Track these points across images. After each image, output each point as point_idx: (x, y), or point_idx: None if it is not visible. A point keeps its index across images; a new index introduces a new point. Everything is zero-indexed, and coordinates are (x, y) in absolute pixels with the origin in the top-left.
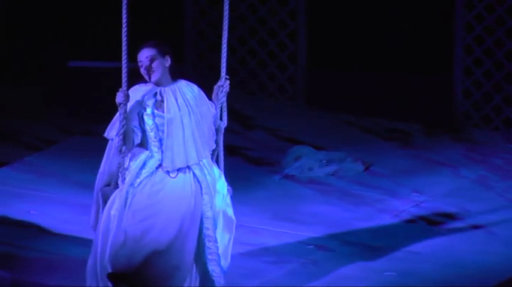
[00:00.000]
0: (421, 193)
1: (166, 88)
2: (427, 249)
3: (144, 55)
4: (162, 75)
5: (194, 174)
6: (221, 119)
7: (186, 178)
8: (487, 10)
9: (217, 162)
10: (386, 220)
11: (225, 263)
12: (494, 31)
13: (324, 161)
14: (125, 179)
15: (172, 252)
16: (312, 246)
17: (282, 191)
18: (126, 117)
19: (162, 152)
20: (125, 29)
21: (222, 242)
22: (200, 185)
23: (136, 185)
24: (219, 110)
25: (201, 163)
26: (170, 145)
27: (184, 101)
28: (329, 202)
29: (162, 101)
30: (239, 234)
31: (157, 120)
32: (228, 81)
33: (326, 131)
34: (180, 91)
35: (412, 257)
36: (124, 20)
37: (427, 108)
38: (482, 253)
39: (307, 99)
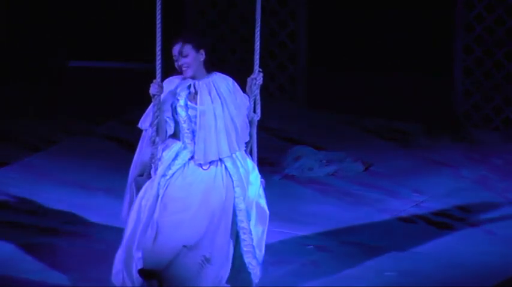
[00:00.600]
0: (421, 193)
1: (201, 82)
2: (427, 249)
3: (179, 50)
4: (196, 69)
5: (226, 167)
6: (255, 111)
7: (217, 170)
8: (487, 10)
9: (250, 154)
10: (387, 220)
11: (259, 254)
12: (494, 31)
13: (324, 161)
14: (157, 169)
15: (203, 246)
16: (311, 246)
17: (282, 191)
18: (159, 109)
19: (194, 143)
20: (159, 20)
21: (256, 234)
22: (231, 178)
23: (168, 176)
24: (252, 102)
25: (233, 155)
26: (202, 137)
27: (217, 94)
28: (329, 202)
29: (196, 93)
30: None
31: (190, 111)
32: (261, 74)
33: (326, 131)
34: (214, 84)
35: (412, 257)
36: (158, 13)
37: (427, 108)
38: (482, 253)
39: (307, 99)
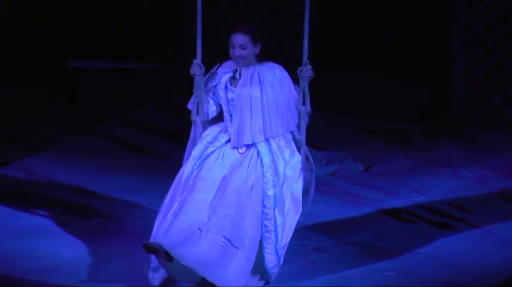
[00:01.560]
0: (421, 193)
1: (247, 68)
2: (427, 249)
3: (238, 42)
4: (250, 61)
5: (259, 152)
6: (304, 103)
7: (250, 155)
8: (487, 10)
9: (298, 145)
10: (387, 220)
11: (281, 243)
12: (494, 31)
13: (324, 161)
14: (195, 149)
15: (224, 229)
16: (311, 246)
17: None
18: (199, 88)
19: (232, 126)
20: (200, 4)
21: (286, 223)
22: (262, 164)
23: (203, 157)
24: (301, 94)
25: (271, 141)
26: (238, 121)
27: (259, 81)
28: (329, 202)
29: (239, 78)
30: None
31: (229, 94)
32: (308, 67)
33: (326, 131)
34: (258, 72)
35: (412, 257)
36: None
37: (427, 108)
38: (482, 253)
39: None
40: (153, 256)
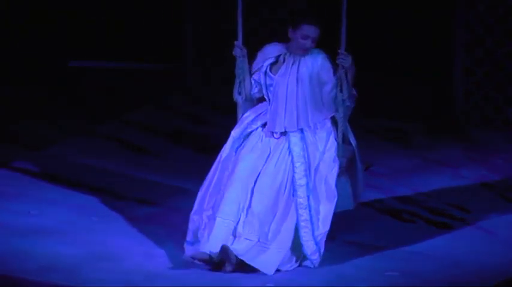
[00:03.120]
0: (421, 193)
1: (292, 55)
2: (427, 249)
3: (312, 34)
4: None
5: (289, 142)
6: (341, 91)
7: (281, 145)
8: (487, 10)
9: (337, 132)
10: (387, 220)
11: (321, 231)
12: (494, 31)
13: None
14: (234, 129)
15: (259, 229)
16: None
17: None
18: (241, 69)
19: (269, 111)
20: None
21: (322, 211)
22: (291, 154)
23: (242, 139)
24: (338, 82)
25: (305, 130)
26: (273, 107)
27: (297, 71)
28: None
29: (283, 62)
30: None
31: (267, 80)
32: (343, 56)
33: None
34: (300, 60)
35: (412, 257)
36: None
37: (427, 108)
38: (482, 253)
39: None
40: (189, 231)
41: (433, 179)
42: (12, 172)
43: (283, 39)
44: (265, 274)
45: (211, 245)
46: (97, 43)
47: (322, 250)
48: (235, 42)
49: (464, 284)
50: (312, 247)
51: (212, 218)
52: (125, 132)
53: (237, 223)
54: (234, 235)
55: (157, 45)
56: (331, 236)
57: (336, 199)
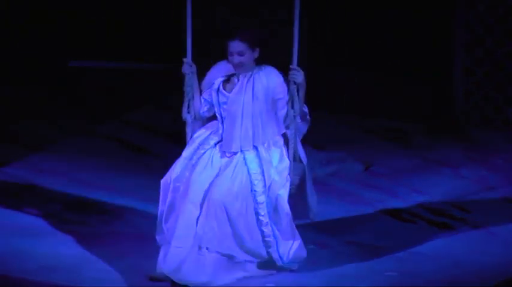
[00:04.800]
0: (421, 193)
1: (245, 74)
2: (427, 249)
3: (236, 49)
4: (247, 66)
5: (245, 159)
6: (292, 107)
7: (236, 162)
8: (487, 10)
9: (288, 149)
10: (386, 220)
11: (286, 244)
12: (494, 31)
13: (324, 161)
14: (185, 149)
15: (201, 238)
16: (312, 246)
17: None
18: (190, 87)
19: (223, 129)
20: (189, 3)
21: (282, 224)
22: (249, 172)
23: (194, 160)
24: (290, 98)
25: (259, 147)
26: (228, 126)
27: (253, 88)
28: (329, 202)
29: (236, 82)
30: None
31: (220, 98)
32: (295, 71)
33: (326, 131)
34: (254, 78)
35: (412, 257)
36: None
37: (427, 108)
38: (482, 253)
39: (307, 99)
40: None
41: (433, 179)
42: (12, 172)
43: (283, 39)
44: (265, 274)
45: (165, 268)
46: (97, 43)
47: (292, 259)
48: (184, 59)
49: (464, 284)
50: (279, 260)
51: (167, 241)
52: (125, 132)
53: (196, 245)
54: (192, 257)
55: (157, 45)
56: (331, 236)
57: (289, 214)
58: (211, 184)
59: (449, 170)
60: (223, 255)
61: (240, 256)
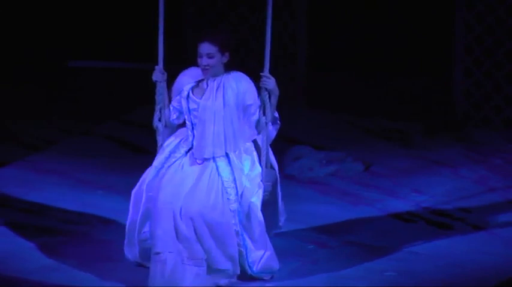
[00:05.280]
0: (421, 193)
1: (213, 79)
2: (427, 249)
3: (205, 50)
4: (216, 70)
5: (217, 167)
6: (264, 114)
7: (209, 168)
8: (487, 10)
9: (260, 155)
10: (387, 220)
11: (253, 254)
12: (494, 31)
13: (324, 161)
14: (156, 158)
15: (182, 249)
16: (312, 246)
17: (282, 191)
18: (162, 95)
19: (194, 136)
20: (162, 10)
21: (255, 234)
22: (222, 180)
23: (164, 169)
24: (262, 105)
25: (231, 155)
26: (200, 133)
27: (223, 93)
28: (329, 202)
29: (205, 88)
30: None
31: (190, 104)
32: (265, 78)
33: (326, 131)
34: (224, 84)
35: (412, 257)
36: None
37: (427, 108)
38: (482, 253)
39: (307, 99)
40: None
41: (433, 179)
42: (12, 172)
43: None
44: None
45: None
46: (97, 43)
47: (267, 270)
48: (156, 67)
49: (464, 284)
50: (249, 271)
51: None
52: (124, 133)
53: (179, 252)
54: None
55: (157, 45)
56: (331, 236)
57: (262, 223)
58: (187, 196)
59: (449, 170)
60: (203, 265)
61: (221, 265)
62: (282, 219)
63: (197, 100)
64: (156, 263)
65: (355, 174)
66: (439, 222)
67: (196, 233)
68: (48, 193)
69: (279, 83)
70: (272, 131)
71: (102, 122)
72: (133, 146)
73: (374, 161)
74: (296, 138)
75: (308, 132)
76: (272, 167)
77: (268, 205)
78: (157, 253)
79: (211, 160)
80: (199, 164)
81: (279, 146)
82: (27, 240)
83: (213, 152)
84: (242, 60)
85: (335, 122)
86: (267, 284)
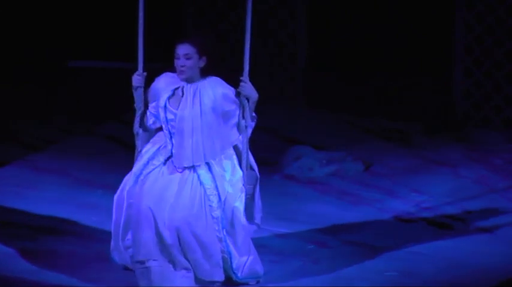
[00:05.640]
0: (421, 193)
1: (190, 86)
2: (427, 249)
3: (183, 51)
4: (192, 74)
5: (198, 176)
6: (243, 117)
7: (189, 177)
8: (487, 10)
9: (240, 158)
10: (387, 220)
11: (241, 260)
12: (494, 31)
13: (324, 161)
14: (135, 165)
15: (169, 253)
16: (312, 246)
17: (282, 191)
18: (142, 101)
19: (172, 145)
20: (142, 13)
21: (238, 241)
22: (204, 187)
23: (143, 176)
24: (240, 108)
25: (211, 161)
26: (178, 143)
27: (200, 102)
28: (329, 201)
29: (182, 96)
30: None
31: (168, 114)
32: (241, 83)
33: (326, 131)
34: (201, 91)
35: (413, 257)
36: (141, 4)
37: (427, 108)
38: (482, 253)
39: (307, 99)
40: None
41: (433, 179)
42: (12, 172)
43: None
44: (264, 274)
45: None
46: (97, 43)
47: (251, 276)
48: (136, 72)
49: (465, 285)
50: (234, 277)
51: (127, 259)
52: (124, 132)
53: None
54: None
55: (157, 45)
56: (331, 236)
57: (245, 227)
58: (171, 206)
59: (449, 170)
60: (190, 271)
61: (208, 276)
62: (257, 217)
63: (174, 111)
64: (142, 271)
65: (355, 174)
66: (439, 222)
67: (182, 244)
68: (47, 192)
69: (279, 83)
70: (249, 129)
71: (102, 122)
72: (133, 146)
73: (374, 161)
74: (296, 138)
75: (308, 132)
76: (252, 168)
77: (250, 206)
78: (141, 262)
79: (192, 169)
80: (180, 172)
81: (279, 146)
82: (27, 240)
83: (193, 161)
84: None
85: (335, 122)
86: (267, 285)
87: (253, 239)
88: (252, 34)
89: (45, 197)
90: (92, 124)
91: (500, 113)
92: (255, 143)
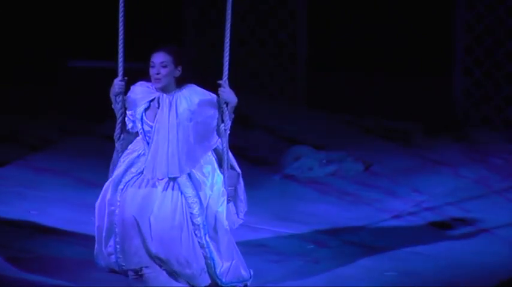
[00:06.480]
0: (421, 192)
1: (166, 96)
2: (428, 249)
3: (159, 59)
4: (167, 83)
5: (179, 184)
6: (223, 121)
7: (170, 186)
8: (487, 10)
9: (220, 164)
10: (387, 220)
11: (224, 266)
12: (494, 31)
13: (324, 161)
14: (115, 170)
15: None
16: (312, 246)
17: (282, 191)
18: (122, 108)
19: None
20: (122, 18)
21: (221, 246)
22: (185, 196)
23: (122, 185)
24: (220, 114)
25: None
26: (153, 154)
27: (176, 113)
28: (329, 201)
29: (158, 107)
30: (239, 233)
31: (145, 127)
32: (220, 88)
33: (326, 131)
34: (177, 101)
35: (413, 257)
36: (121, 9)
37: (427, 108)
38: (483, 253)
39: (307, 99)
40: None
41: (433, 179)
42: (11, 171)
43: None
44: (263, 274)
45: None
46: (97, 43)
47: (238, 281)
48: (116, 79)
49: (464, 284)
50: (219, 283)
51: (111, 264)
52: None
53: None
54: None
55: (157, 45)
56: (331, 236)
57: (228, 231)
58: (154, 217)
59: (449, 170)
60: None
61: (194, 280)
62: (241, 214)
63: (150, 123)
64: (136, 279)
65: (355, 174)
66: (439, 222)
67: (167, 254)
68: (47, 192)
69: (279, 83)
70: (227, 131)
71: (102, 122)
72: None
73: (374, 161)
74: (296, 138)
75: (308, 132)
76: (232, 168)
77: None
78: (134, 270)
79: (172, 179)
80: (160, 180)
81: (279, 146)
82: (27, 240)
83: (168, 173)
84: (243, 60)
85: (335, 122)
86: (267, 285)
87: (253, 240)
88: (231, 38)
89: (45, 197)
90: (92, 124)
91: (500, 113)
92: (255, 143)
